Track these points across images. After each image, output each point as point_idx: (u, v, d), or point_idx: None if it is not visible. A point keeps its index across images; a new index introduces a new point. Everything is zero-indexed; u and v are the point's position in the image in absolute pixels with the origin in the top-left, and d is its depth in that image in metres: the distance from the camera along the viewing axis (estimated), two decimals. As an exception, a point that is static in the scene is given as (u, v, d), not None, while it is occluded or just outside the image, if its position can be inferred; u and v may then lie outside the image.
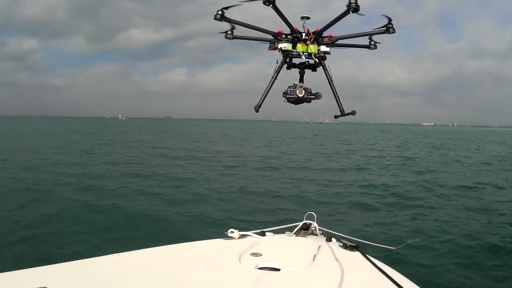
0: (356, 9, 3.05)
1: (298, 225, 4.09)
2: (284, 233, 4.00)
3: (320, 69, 3.86)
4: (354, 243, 3.63)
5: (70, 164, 28.13)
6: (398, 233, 12.93)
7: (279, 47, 3.72)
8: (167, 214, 14.61)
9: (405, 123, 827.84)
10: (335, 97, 3.94)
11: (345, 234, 3.95)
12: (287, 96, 3.85)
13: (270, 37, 3.80)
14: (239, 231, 3.71)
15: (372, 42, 3.81)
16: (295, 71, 3.92)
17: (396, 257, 9.08)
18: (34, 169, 24.99)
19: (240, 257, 3.11)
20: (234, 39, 3.79)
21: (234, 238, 3.65)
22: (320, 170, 28.74)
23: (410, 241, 9.87)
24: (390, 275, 2.89)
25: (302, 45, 3.67)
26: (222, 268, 2.93)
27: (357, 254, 3.42)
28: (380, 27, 3.61)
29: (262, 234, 3.80)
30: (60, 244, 11.00)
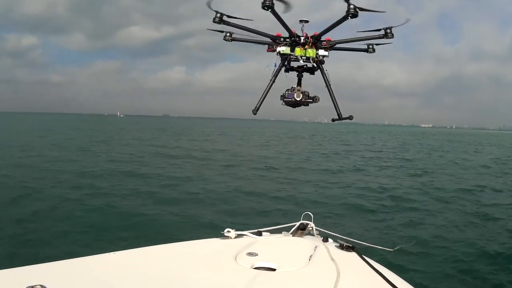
0: (354, 15, 3.06)
1: (295, 225, 4.09)
2: (281, 233, 4.00)
3: (318, 72, 3.87)
4: (350, 244, 3.62)
5: (66, 161, 28.05)
6: (395, 235, 12.95)
7: (277, 51, 3.73)
8: (162, 213, 14.56)
9: (404, 125, 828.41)
10: (332, 101, 3.94)
11: (341, 235, 3.96)
12: (285, 99, 3.86)
13: (268, 40, 3.80)
14: (236, 230, 3.70)
15: (371, 46, 3.82)
16: (293, 74, 3.93)
17: (393, 258, 9.10)
18: (29, 166, 24.84)
19: (236, 257, 3.10)
20: (233, 41, 3.79)
21: (231, 237, 3.64)
22: (318, 170, 28.74)
23: (407, 244, 9.89)
24: (386, 276, 2.89)
25: (301, 49, 3.67)
26: (218, 268, 2.93)
27: (353, 255, 3.41)
28: (379, 31, 3.62)
29: (259, 234, 3.80)
30: (51, 243, 10.95)
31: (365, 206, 17.02)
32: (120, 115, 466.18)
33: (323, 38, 3.70)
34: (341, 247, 3.58)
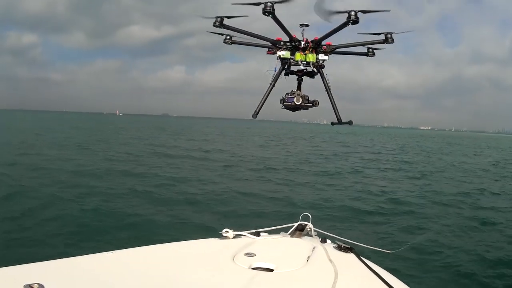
0: (355, 21, 3.08)
1: (293, 225, 4.09)
2: (279, 233, 4.00)
3: (318, 75, 3.88)
4: (348, 245, 3.62)
5: (63, 159, 27.93)
6: (393, 238, 12.97)
7: (277, 55, 3.74)
8: (159, 213, 14.48)
9: (403, 127, 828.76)
10: (332, 105, 3.95)
11: (340, 236, 3.96)
12: (284, 103, 3.87)
13: (268, 44, 3.81)
14: (234, 231, 3.70)
15: (371, 50, 3.82)
16: (293, 77, 3.93)
17: (391, 260, 9.11)
18: (25, 164, 24.64)
19: (234, 257, 3.10)
20: (232, 44, 3.79)
21: (229, 237, 3.64)
22: (316, 172, 28.73)
23: (405, 246, 9.88)
24: (384, 278, 2.89)
25: (301, 54, 3.69)
26: (216, 268, 2.93)
27: (351, 256, 3.42)
28: (379, 35, 3.62)
29: (257, 234, 3.80)
30: (45, 242, 10.87)
31: (363, 208, 17.01)
32: (119, 114, 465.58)
33: (323, 42, 3.71)
34: (339, 248, 3.58)
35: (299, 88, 3.92)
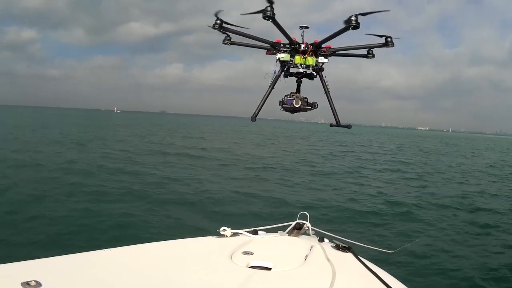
0: (356, 27, 3.06)
1: (291, 224, 4.09)
2: (277, 232, 4.00)
3: (317, 78, 3.88)
4: (346, 244, 3.63)
5: (56, 157, 27.80)
6: (391, 238, 13.00)
7: (277, 57, 3.73)
8: (155, 212, 14.39)
9: (401, 127, 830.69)
10: (331, 108, 3.95)
11: (338, 235, 3.96)
12: (283, 105, 3.86)
13: (268, 46, 3.80)
14: (232, 229, 3.70)
15: (370, 51, 3.82)
16: (292, 79, 3.93)
17: (389, 260, 9.12)
18: (17, 160, 24.39)
19: (231, 256, 3.10)
20: (232, 45, 3.78)
21: (226, 236, 3.63)
22: (313, 171, 28.72)
23: (403, 246, 9.90)
24: (381, 277, 2.89)
25: (300, 57, 3.68)
26: (213, 266, 2.92)
27: (349, 255, 3.42)
28: (380, 37, 3.61)
29: (255, 233, 3.80)
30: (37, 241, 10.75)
31: (360, 208, 17.01)
32: (117, 110, 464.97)
33: (323, 45, 3.71)
34: (337, 247, 3.58)
35: (298, 90, 3.91)
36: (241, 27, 3.60)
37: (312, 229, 4.08)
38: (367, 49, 3.80)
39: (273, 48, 3.76)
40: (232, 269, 2.86)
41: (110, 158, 28.69)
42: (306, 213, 4.18)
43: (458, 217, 16.34)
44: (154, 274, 2.68)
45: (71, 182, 18.57)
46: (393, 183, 25.17)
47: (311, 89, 3.96)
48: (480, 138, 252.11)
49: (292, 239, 3.84)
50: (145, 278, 2.60)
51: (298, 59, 3.68)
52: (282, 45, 3.72)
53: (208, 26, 3.61)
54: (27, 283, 2.19)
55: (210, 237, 3.66)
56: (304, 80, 3.91)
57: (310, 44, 3.69)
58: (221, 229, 3.66)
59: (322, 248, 3.48)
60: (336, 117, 4.02)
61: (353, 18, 3.03)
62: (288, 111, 3.92)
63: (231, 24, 3.50)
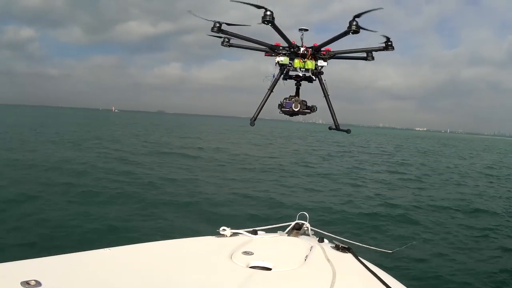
0: (356, 32, 3.07)
1: (291, 224, 4.08)
2: (276, 232, 3.99)
3: (316, 81, 3.87)
4: (346, 245, 3.62)
5: (52, 156, 27.64)
6: (390, 238, 13.01)
7: (276, 61, 3.72)
8: (152, 214, 14.21)
9: (398, 127, 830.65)
10: (330, 111, 3.95)
11: (337, 236, 3.95)
12: (282, 108, 3.86)
13: (267, 49, 3.79)
14: (231, 229, 3.69)
15: (370, 54, 3.81)
16: (291, 82, 3.92)
17: (389, 261, 9.13)
18: (13, 160, 24.10)
19: (231, 256, 3.09)
20: (230, 47, 3.77)
21: (226, 236, 3.62)
22: (311, 172, 28.73)
23: (403, 246, 9.93)
24: (381, 278, 2.89)
25: (300, 61, 3.68)
26: (213, 266, 2.92)
27: (349, 256, 3.41)
28: (379, 42, 3.60)
29: (254, 232, 3.79)
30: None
31: (359, 209, 17.03)
32: (115, 110, 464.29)
33: (322, 48, 3.70)
34: (337, 248, 3.58)
35: (297, 93, 3.91)
36: (244, 25, 3.58)
37: (311, 229, 4.08)
38: (366, 52, 3.80)
39: (272, 51, 3.76)
40: (232, 269, 2.86)
41: (106, 158, 28.54)
42: (305, 213, 4.17)
43: (456, 218, 16.36)
44: (154, 274, 2.67)
45: (65, 182, 18.40)
46: (391, 184, 25.17)
47: (310, 89, 3.96)
48: (478, 139, 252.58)
49: (292, 239, 3.83)
50: (145, 278, 2.59)
51: (297, 62, 3.68)
52: (281, 48, 3.72)
53: (209, 35, 3.60)
54: (27, 283, 2.18)
55: (210, 237, 3.65)
56: (303, 82, 3.92)
57: (310, 48, 3.69)
58: (221, 229, 3.64)
59: (322, 248, 3.47)
60: (335, 121, 4.02)
61: (354, 23, 3.04)
62: (287, 114, 3.91)
63: (230, 24, 3.49)
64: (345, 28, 3.14)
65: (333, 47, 3.70)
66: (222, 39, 3.73)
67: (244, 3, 3.05)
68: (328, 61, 3.77)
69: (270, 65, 3.84)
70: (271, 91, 3.81)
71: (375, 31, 3.33)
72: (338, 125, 4.06)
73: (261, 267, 2.97)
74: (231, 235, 3.64)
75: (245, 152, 39.79)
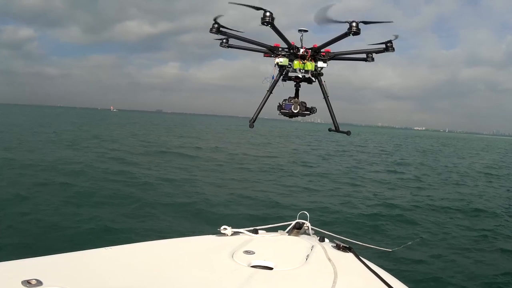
0: (356, 33, 3.05)
1: (291, 224, 4.08)
2: (277, 231, 3.99)
3: (316, 82, 3.85)
4: (347, 244, 3.62)
5: (50, 156, 27.61)
6: (390, 237, 12.99)
7: (275, 62, 3.71)
8: (149, 214, 14.07)
9: (397, 127, 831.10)
10: (330, 113, 3.94)
11: (337, 235, 3.94)
12: (281, 110, 3.85)
13: (266, 50, 3.77)
14: (232, 228, 3.68)
15: (370, 55, 3.79)
16: (291, 83, 3.90)
17: (389, 259, 9.15)
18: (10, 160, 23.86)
19: (233, 254, 3.10)
20: (229, 48, 3.75)
21: (227, 235, 3.62)
22: (310, 171, 28.69)
23: (403, 245, 9.93)
24: (383, 278, 2.88)
25: (299, 63, 3.67)
26: (215, 265, 2.91)
27: (350, 255, 3.41)
28: (379, 44, 3.58)
29: (255, 232, 3.78)
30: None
31: (357, 209, 16.98)
32: (113, 109, 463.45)
33: (322, 50, 3.68)
34: (338, 247, 3.58)
35: (296, 95, 3.90)
36: (239, 31, 3.57)
37: (312, 229, 4.07)
38: (366, 53, 3.78)
39: (272, 52, 3.75)
40: (234, 268, 2.85)
41: (104, 158, 28.30)
42: (306, 212, 4.17)
43: (455, 218, 16.32)
44: (155, 272, 2.67)
45: (62, 182, 18.23)
46: (390, 183, 25.13)
47: (310, 90, 3.95)
48: (477, 138, 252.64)
49: (293, 238, 3.83)
50: (146, 276, 2.59)
51: (297, 64, 3.67)
52: (280, 49, 3.71)
53: (210, 32, 3.57)
54: (28, 282, 2.18)
55: (211, 236, 3.65)
56: (302, 84, 3.90)
57: (309, 49, 3.67)
58: (222, 228, 3.65)
59: (323, 248, 3.47)
60: (335, 122, 4.01)
61: (353, 24, 3.02)
62: (287, 116, 3.91)
63: (228, 28, 3.48)
64: (344, 29, 3.14)
65: (333, 47, 3.69)
66: (220, 40, 3.72)
67: (242, 5, 3.04)
68: (328, 62, 3.76)
69: (268, 65, 3.83)
70: (271, 92, 3.80)
71: (390, 21, 3.30)
72: (338, 127, 4.05)
73: (263, 266, 2.97)
74: (232, 234, 3.64)
75: (244, 152, 39.72)
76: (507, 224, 15.84)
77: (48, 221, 12.33)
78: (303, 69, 3.68)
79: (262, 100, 3.81)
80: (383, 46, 3.56)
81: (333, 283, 2.69)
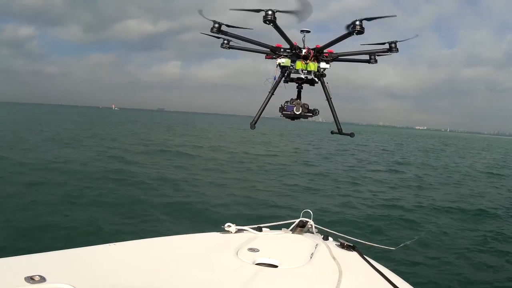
0: (360, 32, 2.98)
1: (295, 222, 4.07)
2: (281, 229, 3.98)
3: (318, 83, 3.81)
4: (350, 243, 3.61)
5: (51, 155, 27.60)
6: (392, 236, 12.97)
7: (277, 62, 3.66)
8: (148, 213, 14.04)
9: (398, 126, 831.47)
10: (333, 115, 3.88)
11: (340, 234, 3.94)
12: (283, 112, 3.79)
13: (268, 50, 3.73)
14: (236, 225, 3.68)
15: (373, 57, 3.75)
16: (293, 85, 3.86)
17: (393, 258, 9.13)
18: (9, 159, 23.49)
19: (237, 252, 3.09)
20: (230, 49, 3.72)
21: (231, 232, 3.62)
22: (311, 170, 28.66)
23: (405, 243, 9.95)
24: (388, 277, 2.88)
25: (302, 63, 3.60)
26: (220, 262, 2.91)
27: (354, 254, 3.40)
28: (383, 45, 3.55)
29: (259, 229, 3.78)
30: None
31: (359, 208, 16.97)
32: (115, 108, 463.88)
33: (325, 50, 3.65)
34: (342, 246, 3.57)
35: (298, 96, 3.84)
36: (246, 28, 3.53)
37: (315, 227, 4.07)
38: (370, 55, 3.75)
39: (273, 52, 3.69)
40: (239, 266, 2.85)
41: (105, 157, 28.21)
42: (309, 211, 4.16)
43: (457, 217, 16.31)
44: (159, 269, 2.66)
45: (62, 181, 18.10)
46: (391, 183, 25.08)
47: (312, 92, 3.91)
48: (478, 138, 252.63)
49: (297, 236, 3.82)
50: (150, 273, 2.58)
51: (299, 64, 3.60)
52: (282, 50, 3.65)
53: (203, 33, 3.53)
54: (31, 278, 2.17)
55: (215, 233, 3.64)
56: (305, 85, 3.86)
57: (312, 49, 3.62)
58: (226, 225, 3.64)
59: (327, 246, 3.46)
60: (338, 124, 3.96)
61: (357, 23, 2.94)
62: (288, 118, 3.84)
63: (231, 26, 3.43)
64: (344, 28, 3.10)
65: (335, 48, 3.65)
66: (221, 41, 3.68)
67: (243, 10, 3.01)
68: (331, 63, 3.72)
69: (269, 65, 3.78)
70: (272, 93, 3.74)
71: (393, 15, 3.25)
72: (341, 129, 4.01)
73: (267, 264, 2.97)
74: (236, 232, 3.64)
75: (245, 151, 39.66)
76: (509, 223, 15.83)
77: (46, 219, 12.26)
78: (306, 69, 3.62)
79: (264, 102, 3.75)
80: (387, 46, 3.50)
81: (338, 281, 2.68)
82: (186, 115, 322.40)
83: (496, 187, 25.96)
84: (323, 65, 3.66)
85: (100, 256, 2.76)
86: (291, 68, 3.66)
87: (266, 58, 3.77)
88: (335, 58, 3.70)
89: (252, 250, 3.16)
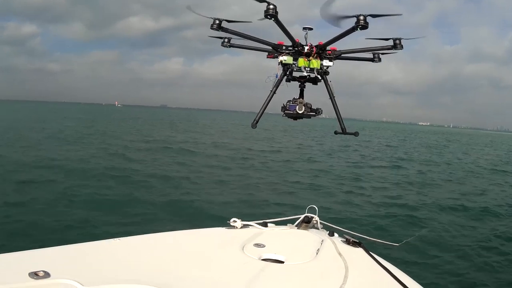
0: (364, 27, 2.94)
1: (300, 217, 4.06)
2: (286, 225, 3.98)
3: (321, 82, 3.77)
4: (356, 239, 3.60)
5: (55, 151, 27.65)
6: (395, 232, 12.96)
7: (279, 60, 3.61)
8: (148, 211, 14.02)
9: (402, 122, 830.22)
10: (336, 114, 3.85)
11: (346, 230, 3.93)
12: (286, 111, 3.76)
13: (268, 48, 3.69)
14: (242, 220, 3.67)
15: (377, 55, 3.71)
16: (295, 84, 3.82)
17: (398, 254, 9.12)
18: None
19: (243, 247, 3.09)
20: (231, 47, 3.68)
21: (237, 227, 3.61)
22: (314, 166, 28.64)
23: (409, 239, 9.92)
24: (394, 273, 2.87)
25: (304, 60, 3.56)
26: (226, 257, 2.91)
27: (360, 250, 3.39)
28: (387, 41, 3.47)
29: (264, 225, 3.77)
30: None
31: (363, 204, 16.97)
32: (118, 105, 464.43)
33: (327, 47, 3.60)
34: (348, 242, 3.56)
35: (301, 95, 3.81)
36: (246, 21, 3.48)
37: (320, 223, 4.06)
38: (373, 53, 3.70)
39: (275, 50, 3.65)
40: (245, 261, 2.85)
41: (109, 153, 28.37)
42: (314, 206, 4.15)
43: (461, 214, 16.29)
44: (164, 264, 2.66)
45: (63, 179, 18.08)
46: (394, 179, 25.05)
47: (314, 90, 3.87)
48: (481, 134, 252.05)
49: (303, 232, 3.82)
50: (156, 268, 2.58)
51: (301, 61, 3.56)
52: (284, 47, 3.61)
53: (210, 36, 3.49)
54: (35, 273, 2.16)
55: (220, 228, 3.64)
56: (308, 85, 3.83)
57: (315, 46, 3.57)
58: (231, 220, 3.63)
59: (333, 242, 3.46)
60: (342, 124, 3.91)
61: (361, 17, 2.91)
62: (291, 118, 3.82)
63: (232, 21, 3.38)
64: (348, 25, 3.05)
65: (338, 44, 3.59)
66: (222, 39, 3.64)
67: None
68: (334, 61, 3.68)
69: (272, 61, 3.74)
70: (274, 92, 3.70)
71: (399, 14, 3.22)
72: (345, 129, 3.96)
73: (274, 259, 2.96)
74: (241, 227, 3.63)
75: (248, 147, 39.61)
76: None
77: (44, 218, 12.23)
78: (308, 67, 3.57)
79: (265, 101, 3.72)
80: (391, 43, 3.42)
81: (344, 278, 2.68)
82: (189, 112, 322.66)
83: (500, 184, 25.88)
84: (326, 62, 3.62)
85: (104, 251, 2.75)
86: (294, 66, 3.62)
87: (267, 57, 3.74)
88: (338, 56, 3.66)
89: (258, 245, 3.16)
